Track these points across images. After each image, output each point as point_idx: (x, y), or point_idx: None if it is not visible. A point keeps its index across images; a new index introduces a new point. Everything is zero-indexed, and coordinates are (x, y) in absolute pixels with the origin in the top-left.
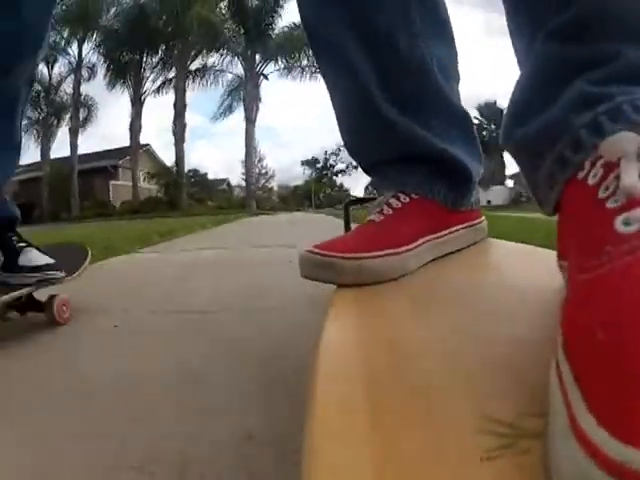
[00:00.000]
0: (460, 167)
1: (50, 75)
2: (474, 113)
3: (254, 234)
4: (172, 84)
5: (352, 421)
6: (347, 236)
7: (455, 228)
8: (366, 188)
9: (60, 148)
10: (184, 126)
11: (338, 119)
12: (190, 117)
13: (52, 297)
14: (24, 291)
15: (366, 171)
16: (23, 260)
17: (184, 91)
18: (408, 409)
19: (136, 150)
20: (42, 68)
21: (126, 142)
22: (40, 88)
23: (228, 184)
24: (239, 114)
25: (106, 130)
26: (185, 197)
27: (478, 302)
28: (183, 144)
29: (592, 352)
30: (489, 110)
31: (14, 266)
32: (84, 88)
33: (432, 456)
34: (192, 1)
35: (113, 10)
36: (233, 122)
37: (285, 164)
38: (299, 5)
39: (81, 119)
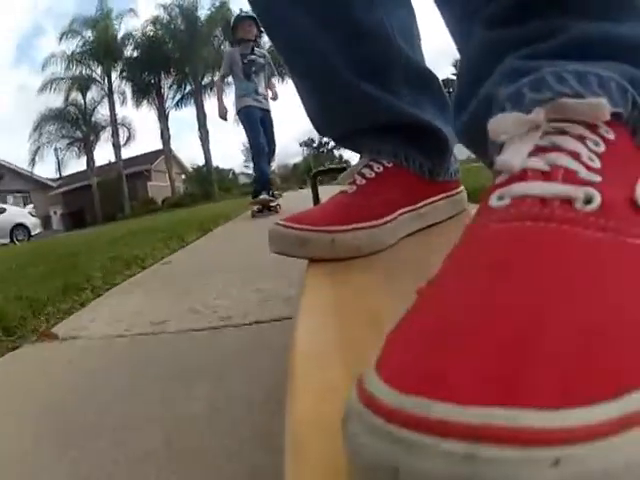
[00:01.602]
0: (434, 133)
1: (85, 101)
2: (450, 70)
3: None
4: (190, 99)
5: (335, 413)
6: (319, 208)
7: (433, 199)
8: None
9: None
10: (207, 132)
11: (302, 100)
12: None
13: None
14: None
15: (339, 144)
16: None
17: (202, 103)
18: None
19: (168, 155)
20: (77, 95)
21: (150, 149)
22: (77, 111)
23: (233, 173)
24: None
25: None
26: (216, 189)
27: None
28: (209, 146)
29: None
30: None
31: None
32: (119, 110)
33: None
34: (196, 38)
35: (129, 43)
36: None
37: (280, 144)
38: None
39: (125, 137)
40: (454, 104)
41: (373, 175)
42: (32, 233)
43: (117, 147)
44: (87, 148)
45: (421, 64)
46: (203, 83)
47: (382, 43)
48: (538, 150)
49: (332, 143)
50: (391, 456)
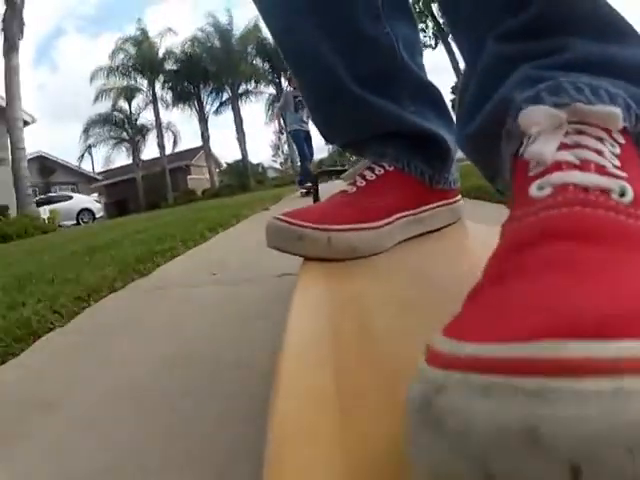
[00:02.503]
0: (438, 141)
1: (130, 108)
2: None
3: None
4: (228, 105)
5: (320, 418)
6: (317, 206)
7: (431, 206)
8: None
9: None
10: (244, 134)
11: (310, 109)
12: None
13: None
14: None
15: (344, 150)
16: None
17: (239, 110)
18: (380, 404)
19: (208, 152)
20: (123, 103)
21: (189, 145)
22: (122, 116)
23: (262, 167)
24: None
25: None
26: (252, 181)
27: (452, 286)
28: (246, 145)
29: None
30: None
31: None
32: (163, 114)
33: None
34: (231, 54)
35: (170, 58)
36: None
37: None
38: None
39: (171, 142)
40: (462, 113)
41: (374, 177)
42: (96, 216)
43: (161, 147)
44: (133, 147)
45: (424, 77)
46: (240, 91)
47: (387, 55)
48: (564, 146)
49: None
50: (525, 414)
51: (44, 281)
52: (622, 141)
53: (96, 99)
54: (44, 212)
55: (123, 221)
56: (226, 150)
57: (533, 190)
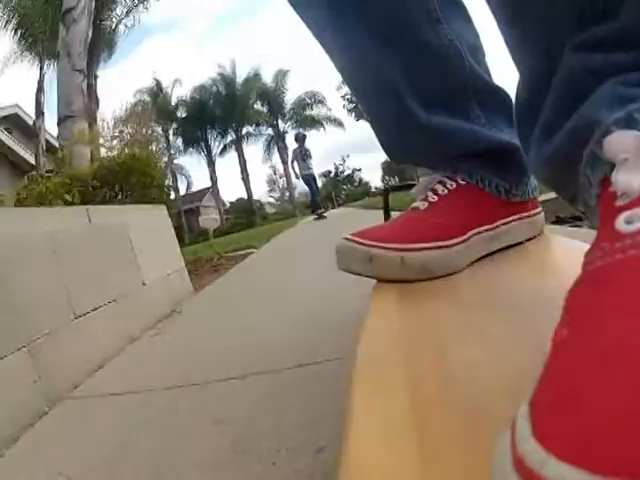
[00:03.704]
0: (513, 153)
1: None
2: None
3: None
4: (232, 147)
5: (393, 440)
6: (388, 224)
7: (508, 220)
8: (383, 178)
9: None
10: (248, 174)
11: (368, 116)
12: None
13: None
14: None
15: (416, 166)
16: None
17: (242, 151)
18: (454, 427)
19: (217, 193)
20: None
21: (198, 187)
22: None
23: (260, 203)
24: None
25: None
26: (258, 217)
27: (539, 311)
28: (250, 185)
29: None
30: None
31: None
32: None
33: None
34: (236, 100)
35: (182, 106)
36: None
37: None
38: (300, 12)
39: (185, 186)
40: (539, 132)
41: (446, 192)
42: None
43: (176, 190)
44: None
45: (492, 82)
46: (243, 133)
47: (455, 67)
48: None
49: (347, 171)
50: None
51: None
52: None
53: (110, 148)
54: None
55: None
56: (226, 189)
57: (620, 223)
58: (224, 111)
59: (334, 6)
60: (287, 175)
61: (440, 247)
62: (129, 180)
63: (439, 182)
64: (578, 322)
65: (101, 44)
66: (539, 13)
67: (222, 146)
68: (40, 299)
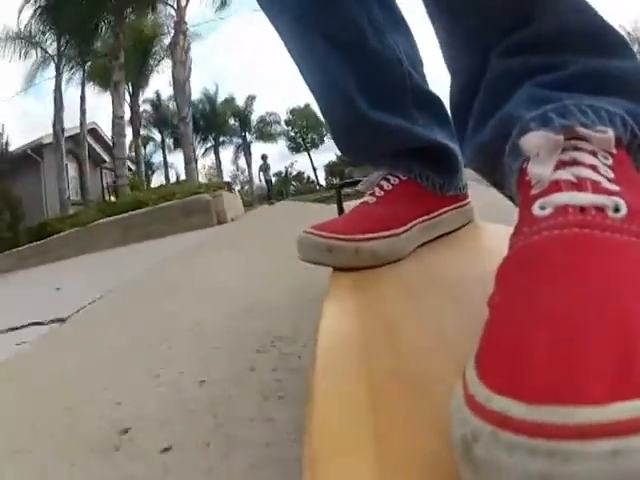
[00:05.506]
0: (448, 153)
1: (145, 151)
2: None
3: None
4: (211, 150)
5: (354, 427)
6: (343, 218)
7: (444, 210)
8: (326, 178)
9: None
10: (222, 171)
11: (323, 115)
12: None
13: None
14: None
15: (360, 164)
16: None
17: (219, 154)
18: (412, 411)
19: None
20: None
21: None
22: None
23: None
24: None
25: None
26: None
27: (474, 287)
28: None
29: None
30: None
31: None
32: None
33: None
34: (216, 115)
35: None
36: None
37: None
38: (267, 13)
39: (175, 176)
40: (471, 127)
41: (390, 187)
42: None
43: (168, 180)
44: (147, 181)
45: (428, 89)
46: (220, 141)
47: (394, 68)
48: (562, 164)
49: (294, 172)
50: (543, 470)
51: None
52: (614, 151)
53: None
54: None
55: None
56: None
57: (536, 209)
58: (207, 123)
59: (297, 13)
60: (250, 174)
61: (386, 237)
62: None
63: (384, 178)
64: (506, 289)
65: None
66: (468, 22)
67: (204, 149)
68: None
